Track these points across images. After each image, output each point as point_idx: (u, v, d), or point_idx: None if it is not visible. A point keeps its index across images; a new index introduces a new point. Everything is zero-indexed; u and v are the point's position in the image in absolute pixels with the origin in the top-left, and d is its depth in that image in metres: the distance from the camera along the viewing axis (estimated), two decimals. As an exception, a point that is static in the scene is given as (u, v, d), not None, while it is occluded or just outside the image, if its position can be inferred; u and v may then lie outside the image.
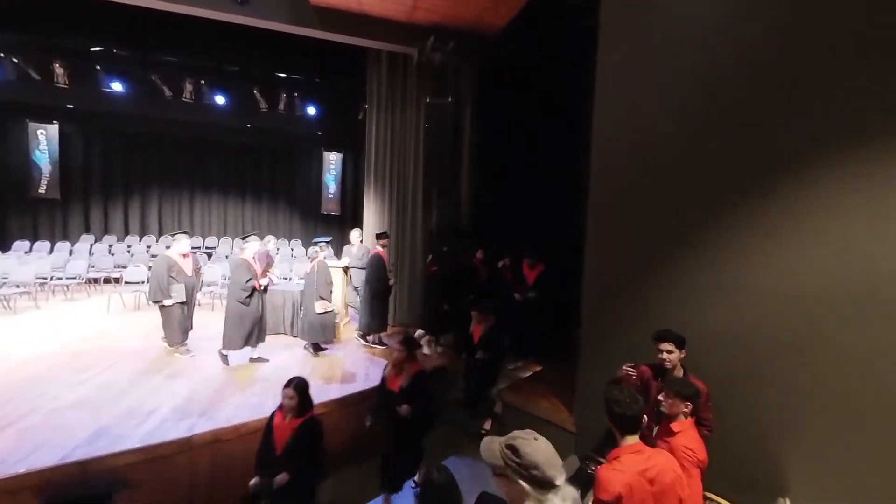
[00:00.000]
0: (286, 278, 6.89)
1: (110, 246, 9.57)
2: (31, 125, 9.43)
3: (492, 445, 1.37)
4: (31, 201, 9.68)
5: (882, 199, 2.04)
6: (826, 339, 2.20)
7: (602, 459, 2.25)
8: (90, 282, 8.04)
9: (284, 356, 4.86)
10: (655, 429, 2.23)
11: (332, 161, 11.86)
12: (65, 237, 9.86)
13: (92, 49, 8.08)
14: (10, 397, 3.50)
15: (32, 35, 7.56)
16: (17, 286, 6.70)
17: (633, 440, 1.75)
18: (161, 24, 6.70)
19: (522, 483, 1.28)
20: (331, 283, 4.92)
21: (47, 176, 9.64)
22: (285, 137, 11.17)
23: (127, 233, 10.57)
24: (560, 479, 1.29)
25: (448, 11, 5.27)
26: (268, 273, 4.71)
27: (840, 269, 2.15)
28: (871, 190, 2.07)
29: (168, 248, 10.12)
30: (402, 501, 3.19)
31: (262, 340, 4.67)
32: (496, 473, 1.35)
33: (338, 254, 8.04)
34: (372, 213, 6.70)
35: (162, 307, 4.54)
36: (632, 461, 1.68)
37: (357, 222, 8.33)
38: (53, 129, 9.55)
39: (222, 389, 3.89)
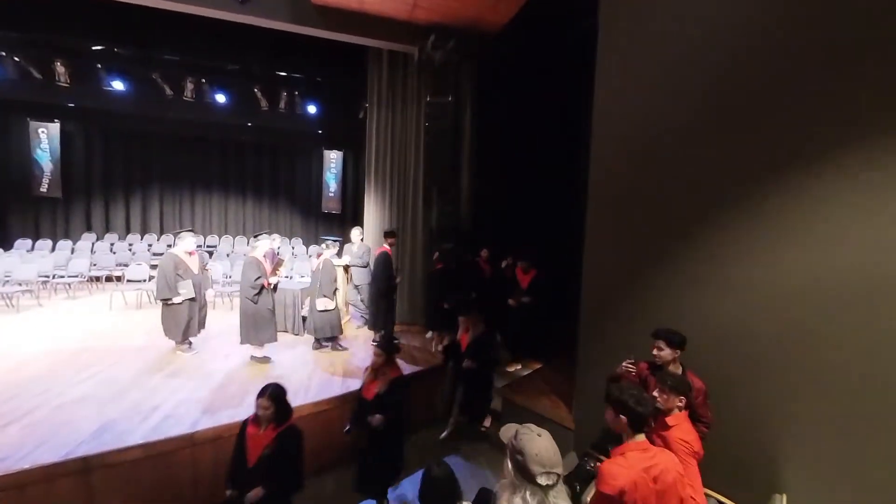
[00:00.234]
0: (287, 276, 6.91)
1: (112, 244, 9.60)
2: (33, 124, 9.45)
3: (511, 430, 1.52)
4: (33, 200, 9.71)
5: (879, 198, 2.05)
6: (823, 337, 2.22)
7: (601, 456, 2.27)
8: (92, 280, 8.07)
9: (287, 354, 4.88)
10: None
11: (333, 159, 11.87)
12: (66, 235, 9.89)
13: (93, 48, 8.08)
14: (15, 394, 3.53)
15: (34, 34, 7.57)
16: (20, 284, 6.73)
17: (640, 437, 1.78)
18: (162, 22, 6.70)
19: (508, 463, 1.42)
20: (335, 281, 4.96)
21: (49, 174, 9.66)
22: (286, 136, 11.18)
23: (128, 231, 10.61)
24: (542, 480, 1.32)
25: (448, 10, 5.28)
26: (277, 272, 4.74)
27: (837, 267, 2.16)
28: (869, 189, 2.08)
29: (169, 246, 10.21)
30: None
31: (275, 339, 4.69)
32: (504, 452, 1.50)
33: (338, 252, 8.07)
34: (372, 212, 6.71)
35: (166, 305, 4.55)
36: (637, 458, 1.70)
37: (357, 221, 8.36)
38: (55, 127, 9.57)
39: (224, 387, 3.92)
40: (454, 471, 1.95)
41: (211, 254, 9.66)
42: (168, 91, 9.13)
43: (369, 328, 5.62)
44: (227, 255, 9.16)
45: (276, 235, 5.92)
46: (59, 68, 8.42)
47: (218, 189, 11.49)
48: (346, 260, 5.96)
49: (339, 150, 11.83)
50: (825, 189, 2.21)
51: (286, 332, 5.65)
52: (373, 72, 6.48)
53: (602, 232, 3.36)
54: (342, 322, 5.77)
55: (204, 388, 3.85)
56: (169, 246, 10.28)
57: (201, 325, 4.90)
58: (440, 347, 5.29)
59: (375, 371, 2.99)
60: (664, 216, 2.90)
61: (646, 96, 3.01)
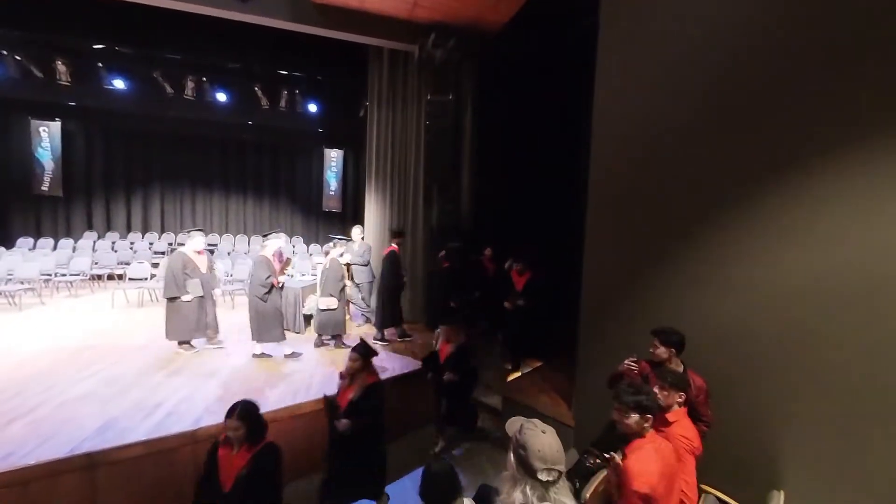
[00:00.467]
0: (289, 275, 6.93)
1: (113, 243, 9.62)
2: (34, 122, 9.46)
3: (516, 423, 1.53)
4: (34, 198, 9.73)
5: (879, 198, 2.06)
6: (822, 337, 2.23)
7: (603, 454, 2.29)
8: (94, 278, 8.10)
9: (289, 352, 4.90)
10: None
11: (333, 158, 11.88)
12: (68, 234, 9.91)
13: (94, 46, 8.08)
14: (18, 391, 3.56)
15: (34, 32, 7.58)
16: (22, 283, 6.76)
17: (651, 431, 1.86)
18: (163, 21, 6.71)
19: (511, 456, 1.42)
20: (341, 279, 4.99)
21: (50, 173, 9.68)
22: (286, 134, 11.19)
23: (129, 229, 10.63)
24: (543, 475, 1.34)
25: (449, 9, 5.28)
26: (285, 271, 4.77)
27: (837, 267, 2.17)
28: (868, 188, 2.09)
29: (170, 244, 10.22)
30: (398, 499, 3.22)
31: (283, 338, 4.71)
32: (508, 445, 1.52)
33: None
34: (373, 211, 6.73)
35: (171, 303, 4.57)
36: (652, 451, 1.79)
37: (358, 219, 8.36)
38: (56, 126, 9.59)
39: (226, 384, 3.94)
40: (454, 467, 1.97)
41: (212, 252, 9.68)
42: (169, 90, 9.14)
43: (376, 327, 5.65)
44: (228, 254, 9.19)
45: (282, 234, 5.94)
46: (60, 67, 8.43)
47: (219, 188, 11.51)
48: (346, 258, 5.97)
49: (339, 148, 11.84)
50: (825, 189, 2.22)
51: (287, 330, 5.66)
52: (373, 70, 6.48)
53: (602, 231, 3.37)
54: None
55: (206, 385, 3.87)
56: (170, 244, 10.32)
57: (215, 326, 4.90)
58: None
59: (351, 376, 2.86)
60: (664, 216, 2.91)
61: (646, 96, 3.02)
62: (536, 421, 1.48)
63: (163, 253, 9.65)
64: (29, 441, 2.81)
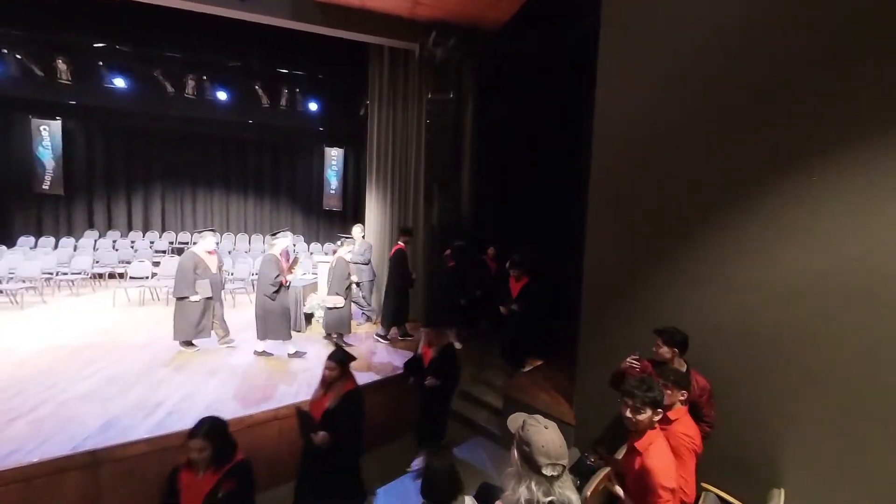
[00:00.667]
0: (300, 275, 6.94)
1: (114, 241, 9.64)
2: (34, 121, 9.47)
3: (518, 419, 1.55)
4: (35, 197, 9.74)
5: (880, 198, 2.06)
6: (822, 336, 2.24)
7: (603, 452, 2.30)
8: (95, 277, 8.12)
9: (291, 350, 4.91)
10: None
11: (334, 157, 11.88)
12: (69, 233, 9.93)
13: (94, 45, 8.08)
14: (20, 389, 3.57)
15: (35, 31, 7.58)
16: (24, 281, 6.77)
17: (657, 425, 1.90)
18: (163, 20, 6.70)
19: (515, 453, 1.44)
20: (347, 278, 5.02)
21: (51, 172, 9.69)
22: (287, 133, 11.18)
23: (130, 228, 10.64)
24: (548, 471, 1.35)
25: (450, 7, 5.27)
26: (293, 269, 4.78)
27: (837, 267, 2.18)
28: (870, 188, 2.09)
29: (171, 243, 10.23)
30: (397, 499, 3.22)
31: (289, 337, 4.73)
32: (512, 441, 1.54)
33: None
34: (374, 209, 6.73)
35: (180, 303, 4.58)
36: (664, 444, 1.86)
37: (358, 218, 8.36)
38: (56, 125, 9.59)
39: (228, 382, 3.95)
40: (455, 465, 1.97)
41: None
42: (169, 88, 9.14)
43: (381, 324, 5.68)
44: (229, 253, 9.20)
45: (289, 233, 5.93)
46: (61, 66, 8.43)
47: (219, 186, 11.51)
48: (347, 257, 5.99)
49: (340, 147, 11.84)
50: (825, 189, 2.22)
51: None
52: (374, 69, 6.48)
53: (603, 231, 3.37)
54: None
55: (207, 384, 3.89)
56: (171, 243, 10.34)
57: (224, 326, 4.91)
58: (458, 345, 5.31)
59: (328, 385, 2.70)
60: (665, 215, 2.91)
61: (647, 96, 3.02)
62: (539, 417, 1.49)
63: (164, 252, 9.66)
64: (31, 439, 2.82)
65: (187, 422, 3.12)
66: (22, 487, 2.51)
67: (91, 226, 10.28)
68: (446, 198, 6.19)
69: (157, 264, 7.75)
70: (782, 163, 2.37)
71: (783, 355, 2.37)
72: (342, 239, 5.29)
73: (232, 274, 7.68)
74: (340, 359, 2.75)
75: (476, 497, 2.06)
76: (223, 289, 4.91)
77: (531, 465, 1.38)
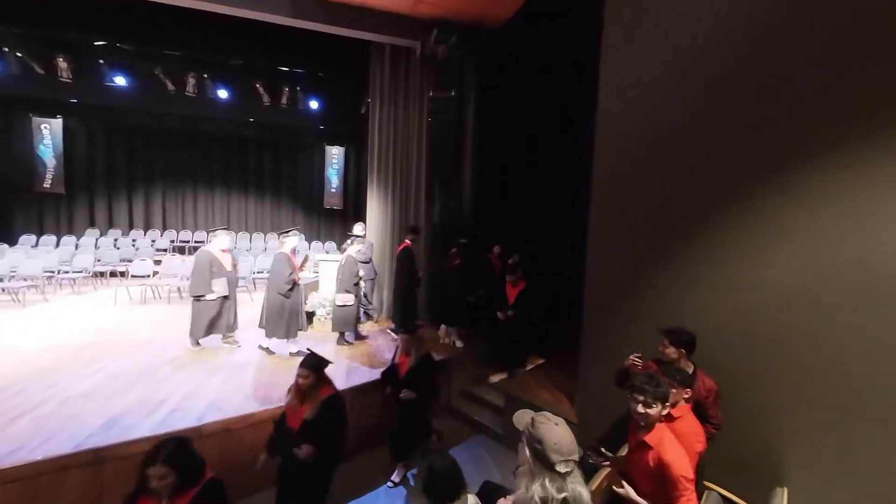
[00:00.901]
0: (311, 273, 6.94)
1: (115, 240, 9.65)
2: (35, 119, 9.47)
3: (525, 416, 1.55)
4: (36, 196, 9.75)
5: (881, 197, 2.06)
6: (824, 336, 2.24)
7: (606, 452, 2.30)
8: (96, 275, 8.13)
9: (295, 350, 4.91)
10: None
11: (335, 155, 11.87)
12: (70, 231, 9.94)
13: (95, 43, 8.07)
14: (23, 387, 3.58)
15: (36, 29, 7.57)
16: (25, 280, 6.78)
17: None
18: (164, 18, 6.68)
19: (527, 451, 1.44)
20: (356, 276, 5.04)
21: (52, 170, 9.70)
22: (288, 131, 11.18)
23: (131, 227, 10.65)
24: (561, 467, 1.35)
25: (451, 4, 5.26)
26: (303, 268, 4.80)
27: (839, 267, 2.18)
28: (871, 188, 2.09)
29: (172, 241, 10.23)
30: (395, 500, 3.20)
31: (298, 334, 4.77)
32: (520, 438, 1.54)
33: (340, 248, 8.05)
34: (375, 208, 6.72)
35: (196, 302, 4.58)
36: (671, 436, 1.87)
37: (359, 217, 8.36)
38: (57, 123, 9.59)
39: (230, 380, 3.95)
40: (457, 463, 1.97)
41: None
42: (170, 86, 9.14)
43: (393, 322, 5.71)
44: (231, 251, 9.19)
45: (297, 230, 5.93)
46: (62, 64, 8.43)
47: (220, 185, 11.52)
48: (357, 256, 5.99)
49: (340, 145, 11.83)
50: (826, 188, 2.22)
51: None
52: (375, 67, 6.46)
53: (605, 230, 3.37)
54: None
55: (209, 382, 3.89)
56: (172, 242, 10.35)
57: (233, 323, 4.91)
58: (459, 343, 5.31)
59: (303, 394, 2.49)
60: (667, 215, 2.91)
61: (649, 95, 3.01)
62: (547, 413, 1.49)
63: (165, 250, 9.67)
64: (34, 437, 2.82)
65: (190, 420, 3.14)
66: (25, 485, 2.52)
67: (92, 224, 10.29)
68: (448, 196, 6.18)
69: (158, 263, 7.76)
70: (784, 162, 2.37)
71: (786, 354, 2.37)
72: (352, 238, 5.33)
73: (269, 272, 7.63)
74: (314, 365, 2.53)
75: (479, 495, 2.06)
76: (237, 287, 4.92)
77: (544, 462, 1.38)
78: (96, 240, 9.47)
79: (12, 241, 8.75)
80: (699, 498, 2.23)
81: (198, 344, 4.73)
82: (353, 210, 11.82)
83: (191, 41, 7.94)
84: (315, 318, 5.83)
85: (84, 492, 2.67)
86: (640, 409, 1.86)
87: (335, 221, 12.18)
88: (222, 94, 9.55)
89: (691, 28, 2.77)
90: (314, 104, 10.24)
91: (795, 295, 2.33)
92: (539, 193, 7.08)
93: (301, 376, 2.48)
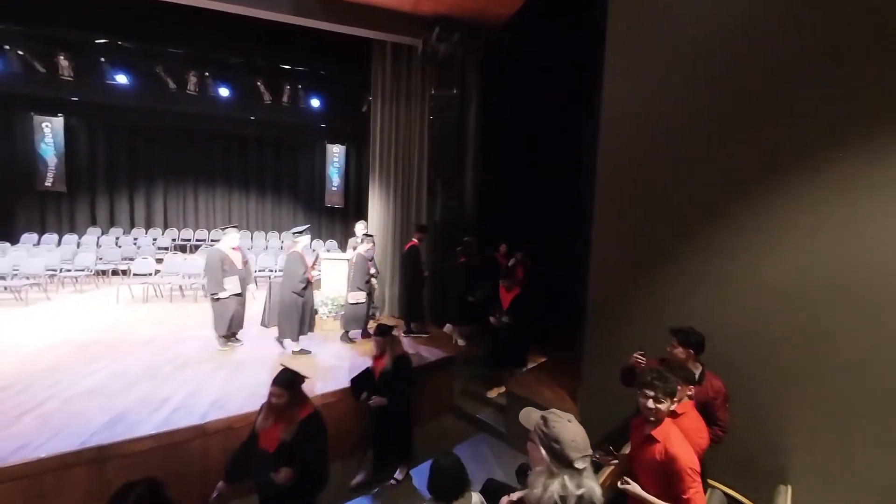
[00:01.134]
0: (318, 272, 6.95)
1: (117, 238, 9.66)
2: (37, 118, 9.48)
3: (531, 414, 1.54)
4: (38, 194, 9.77)
5: (886, 197, 2.06)
6: (828, 334, 2.24)
7: (612, 450, 2.30)
8: (98, 274, 8.14)
9: (297, 349, 4.92)
10: None
11: (336, 153, 11.87)
12: (72, 230, 9.96)
13: (96, 41, 8.06)
14: (27, 385, 3.59)
15: (37, 27, 7.55)
16: (28, 278, 6.79)
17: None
18: (165, 16, 6.67)
19: (543, 451, 1.42)
20: (366, 274, 5.09)
21: (53, 169, 9.71)
22: (289, 130, 11.18)
23: (133, 225, 10.67)
24: (580, 464, 1.36)
25: (453, 2, 5.24)
26: (315, 267, 4.82)
27: (843, 266, 2.18)
28: (870, 187, 2.09)
29: (173, 240, 10.23)
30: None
31: (312, 330, 4.83)
32: (528, 438, 1.52)
33: (342, 246, 8.06)
34: (377, 206, 6.72)
35: (215, 300, 4.60)
36: (678, 429, 1.90)
37: (360, 215, 8.36)
38: (58, 121, 9.60)
39: (233, 378, 3.96)
40: (461, 460, 1.98)
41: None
42: (171, 85, 9.14)
43: (403, 320, 5.73)
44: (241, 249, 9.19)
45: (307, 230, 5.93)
46: (63, 62, 8.42)
47: (221, 183, 11.53)
48: (350, 253, 5.99)
49: (341, 144, 11.83)
50: (827, 188, 2.23)
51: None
52: (377, 65, 6.44)
53: (609, 228, 3.37)
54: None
55: (213, 379, 3.90)
56: (173, 240, 10.36)
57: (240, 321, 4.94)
58: (461, 342, 5.31)
59: (276, 415, 2.29)
60: (669, 214, 2.91)
61: (653, 94, 3.00)
62: (556, 411, 1.48)
63: (166, 248, 9.68)
64: (39, 434, 2.83)
65: (194, 418, 3.15)
66: (31, 482, 2.53)
67: (94, 222, 10.31)
68: (450, 194, 6.17)
69: (160, 261, 7.77)
70: (785, 162, 2.37)
71: (790, 352, 2.37)
72: (362, 236, 5.35)
73: (282, 271, 7.64)
74: (288, 382, 2.31)
75: (482, 493, 2.06)
76: (249, 284, 4.94)
77: (562, 461, 1.38)
78: (98, 238, 9.48)
79: (14, 240, 8.76)
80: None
81: (226, 341, 4.75)
82: (354, 208, 11.83)
83: (192, 39, 7.92)
84: (316, 317, 5.85)
85: (89, 489, 2.68)
86: (651, 404, 1.86)
87: (336, 220, 12.19)
88: (223, 92, 9.55)
89: (692, 28, 2.78)
90: (315, 102, 10.24)
91: (797, 294, 2.33)
92: (540, 191, 7.08)
93: (274, 395, 2.27)
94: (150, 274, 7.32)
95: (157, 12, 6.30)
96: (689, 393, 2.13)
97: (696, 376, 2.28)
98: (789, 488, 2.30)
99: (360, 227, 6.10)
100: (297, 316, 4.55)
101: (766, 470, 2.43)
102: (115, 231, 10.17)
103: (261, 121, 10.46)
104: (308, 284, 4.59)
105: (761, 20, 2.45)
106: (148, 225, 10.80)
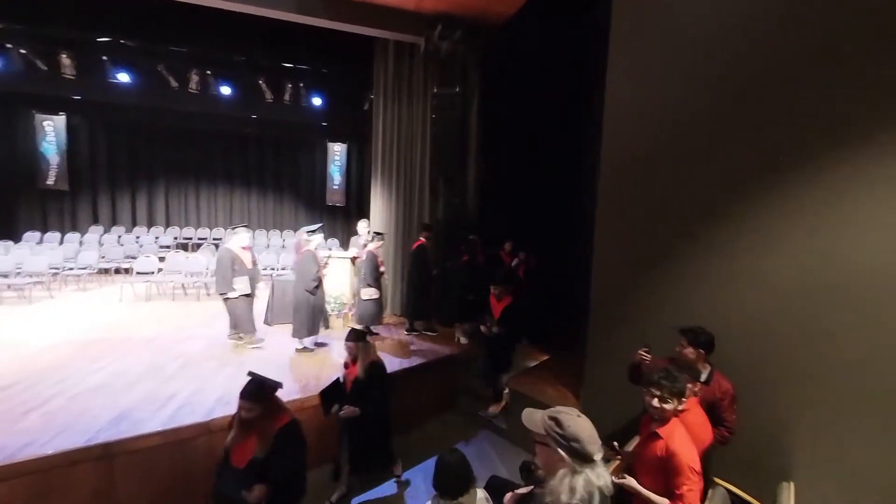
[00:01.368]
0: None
1: (119, 237, 9.68)
2: (38, 116, 9.47)
3: (534, 416, 1.49)
4: (40, 193, 9.78)
5: (881, 196, 2.07)
6: (830, 332, 2.25)
7: (616, 446, 2.31)
8: (101, 272, 8.16)
9: (300, 347, 4.93)
10: None
11: (337, 152, 11.86)
12: (74, 228, 9.97)
13: (98, 40, 8.07)
14: (32, 383, 3.61)
15: (39, 26, 7.56)
16: (31, 276, 6.81)
17: None
18: (167, 14, 6.68)
19: (562, 452, 1.38)
20: (377, 270, 5.14)
21: (55, 167, 9.71)
22: (290, 128, 11.17)
23: (134, 223, 10.68)
24: (598, 456, 1.38)
25: (455, 0, 5.24)
26: (327, 265, 4.88)
27: (846, 265, 2.19)
28: (870, 187, 2.10)
29: (175, 238, 10.24)
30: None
31: (327, 327, 4.93)
32: (536, 441, 1.47)
33: (343, 245, 8.06)
34: (379, 204, 6.73)
35: (227, 301, 4.61)
36: (683, 427, 1.90)
37: (362, 214, 8.37)
38: (60, 120, 9.59)
39: (237, 376, 3.97)
40: (466, 457, 1.99)
41: (217, 247, 9.72)
42: (173, 83, 9.13)
43: (407, 318, 5.75)
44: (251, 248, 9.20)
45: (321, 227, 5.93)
46: (65, 60, 8.42)
47: (223, 181, 11.53)
48: (352, 252, 6.00)
49: (343, 142, 11.82)
50: (827, 188, 2.23)
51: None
52: (379, 63, 6.44)
53: (611, 227, 3.38)
54: (350, 313, 5.84)
55: (217, 376, 3.91)
56: (175, 238, 10.37)
57: None
58: (464, 340, 5.32)
59: (247, 429, 2.12)
60: (671, 212, 2.92)
61: (654, 94, 3.01)
62: (562, 408, 1.48)
63: (168, 247, 9.70)
64: (45, 432, 2.85)
65: (199, 415, 3.17)
66: (37, 479, 2.55)
67: (95, 221, 10.32)
68: (452, 193, 6.18)
69: (162, 259, 7.79)
70: (785, 162, 2.38)
71: (793, 351, 2.38)
72: (373, 234, 5.40)
73: (295, 269, 7.65)
74: (258, 394, 2.15)
75: (486, 489, 2.08)
76: (258, 283, 4.97)
77: (585, 457, 1.37)
78: (100, 237, 9.50)
79: (16, 238, 8.78)
80: (705, 493, 2.25)
81: (259, 337, 4.79)
82: (356, 207, 11.83)
83: (194, 38, 7.92)
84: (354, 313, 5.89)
85: (95, 485, 2.70)
86: (656, 403, 1.87)
87: (337, 218, 12.20)
88: (225, 90, 9.55)
89: (692, 28, 2.78)
90: (317, 101, 10.23)
91: (797, 293, 2.34)
92: (542, 190, 7.08)
93: (245, 409, 2.11)
94: (153, 272, 7.34)
95: (159, 11, 6.31)
96: (695, 389, 2.14)
97: (705, 376, 2.28)
98: (792, 485, 2.32)
99: (362, 226, 6.11)
100: (310, 315, 4.57)
101: (768, 467, 2.44)
102: (118, 229, 10.18)
103: (262, 119, 10.46)
104: (320, 283, 4.62)
105: (761, 20, 2.46)
106: (150, 223, 10.82)
